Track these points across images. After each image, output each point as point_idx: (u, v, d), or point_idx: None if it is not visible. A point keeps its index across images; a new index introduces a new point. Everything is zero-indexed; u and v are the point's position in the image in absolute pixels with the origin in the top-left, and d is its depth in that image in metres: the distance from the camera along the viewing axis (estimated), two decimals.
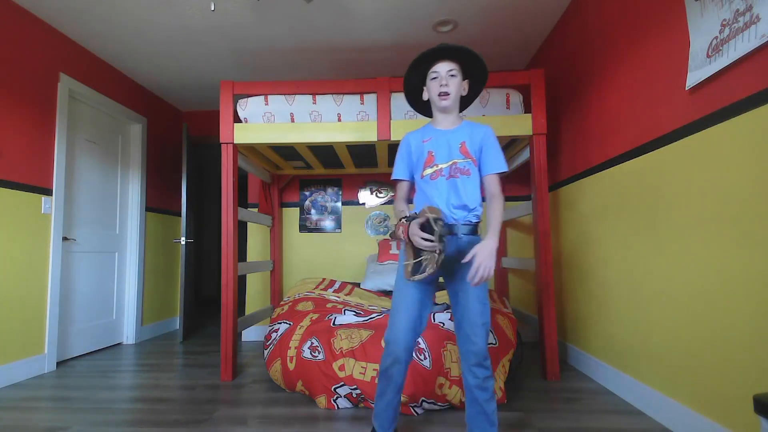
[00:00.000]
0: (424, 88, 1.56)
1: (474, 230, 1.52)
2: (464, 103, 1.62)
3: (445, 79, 1.46)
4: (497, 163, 1.48)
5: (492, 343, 2.10)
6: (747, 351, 1.38)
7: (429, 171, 1.50)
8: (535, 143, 2.52)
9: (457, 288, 1.47)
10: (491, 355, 2.03)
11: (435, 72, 1.48)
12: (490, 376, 1.41)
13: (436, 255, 1.33)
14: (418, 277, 1.36)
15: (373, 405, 1.96)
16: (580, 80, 2.57)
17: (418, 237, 1.34)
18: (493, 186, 1.49)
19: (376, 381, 1.93)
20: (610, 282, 2.23)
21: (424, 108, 1.66)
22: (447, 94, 1.46)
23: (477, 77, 1.58)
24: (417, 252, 1.39)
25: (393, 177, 1.59)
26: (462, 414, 1.92)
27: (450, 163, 1.48)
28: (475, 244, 1.40)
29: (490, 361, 1.43)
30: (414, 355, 1.98)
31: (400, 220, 1.46)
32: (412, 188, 1.59)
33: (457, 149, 1.49)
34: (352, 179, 3.83)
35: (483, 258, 1.31)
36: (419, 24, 2.91)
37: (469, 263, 1.36)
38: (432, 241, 1.32)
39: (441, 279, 1.57)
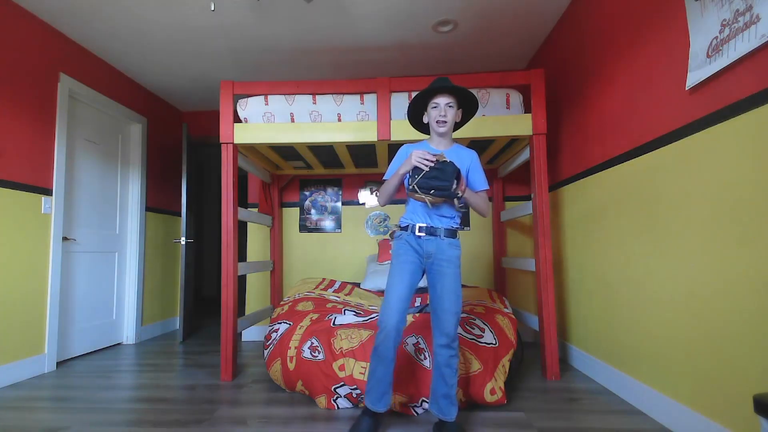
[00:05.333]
0: (425, 113, 1.83)
1: (453, 234, 1.77)
2: (456, 126, 1.89)
3: (443, 110, 1.75)
4: (483, 182, 1.83)
5: (492, 343, 2.10)
6: (747, 351, 1.38)
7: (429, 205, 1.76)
8: (535, 143, 2.52)
9: (435, 281, 1.73)
10: (491, 355, 2.04)
11: (436, 103, 1.76)
12: (455, 355, 1.69)
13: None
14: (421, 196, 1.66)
15: None
16: (580, 80, 2.57)
17: (423, 159, 1.63)
18: (481, 194, 1.83)
19: None
20: (610, 282, 2.23)
21: (422, 128, 1.92)
22: (445, 122, 1.75)
23: (469, 108, 1.86)
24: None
25: (386, 178, 1.85)
26: (462, 414, 1.92)
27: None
28: (454, 245, 1.74)
29: (457, 343, 1.70)
30: (414, 355, 1.99)
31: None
32: (396, 190, 1.84)
33: None
34: (352, 179, 3.83)
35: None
36: (419, 24, 2.91)
37: (447, 264, 1.71)
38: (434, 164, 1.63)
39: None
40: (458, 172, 1.64)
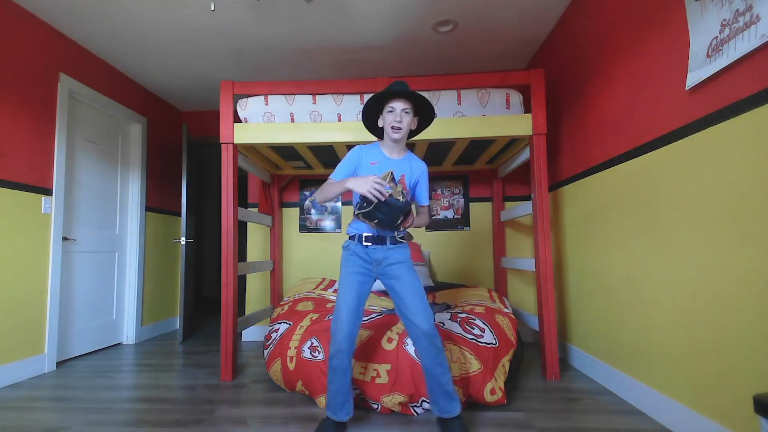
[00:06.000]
0: (380, 116, 1.78)
1: (400, 240, 1.78)
2: (411, 134, 1.88)
3: (399, 115, 1.69)
4: (427, 197, 1.87)
5: (492, 343, 2.10)
6: (747, 351, 1.38)
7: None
8: (535, 143, 2.52)
9: (392, 285, 1.72)
10: (491, 355, 2.04)
11: (392, 107, 1.70)
12: (440, 351, 1.65)
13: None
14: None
15: (371, 404, 1.97)
16: (580, 80, 2.57)
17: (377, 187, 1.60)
18: (423, 209, 1.86)
19: (377, 381, 1.94)
20: (610, 282, 2.23)
21: (377, 131, 1.87)
22: (399, 128, 1.70)
23: (425, 116, 1.82)
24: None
25: (332, 177, 1.76)
26: (462, 414, 1.92)
27: (389, 193, 1.73)
28: (402, 248, 1.76)
29: (439, 338, 1.66)
30: (414, 355, 1.99)
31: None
32: (337, 197, 1.86)
33: (398, 180, 1.74)
34: None
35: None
36: (419, 24, 2.91)
37: (398, 266, 1.72)
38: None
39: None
40: (408, 211, 1.64)
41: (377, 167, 1.74)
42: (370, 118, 1.83)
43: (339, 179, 1.73)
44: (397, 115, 1.68)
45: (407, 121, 1.70)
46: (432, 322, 1.65)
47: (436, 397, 1.67)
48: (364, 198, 1.62)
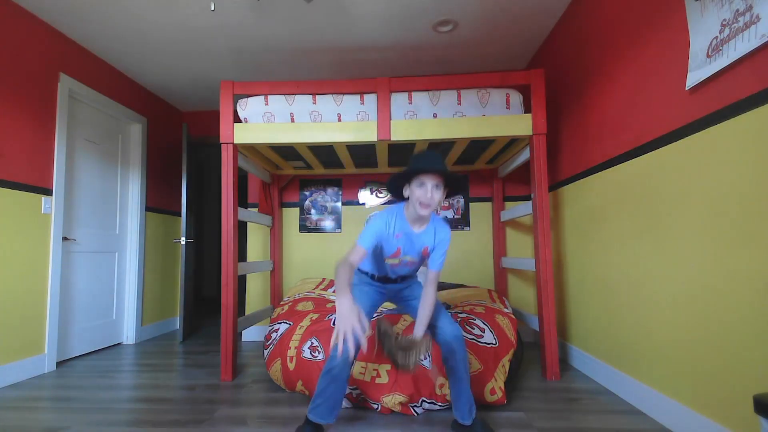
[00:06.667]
0: (407, 185, 1.63)
1: (411, 277, 1.88)
2: None
3: (430, 191, 1.56)
4: (440, 263, 1.72)
5: (492, 343, 2.10)
6: (747, 351, 1.38)
7: (393, 261, 1.74)
8: (535, 143, 2.52)
9: (408, 303, 1.84)
10: (491, 355, 2.04)
11: (422, 181, 1.57)
12: (466, 354, 1.70)
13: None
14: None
15: (371, 404, 1.97)
16: (580, 80, 2.57)
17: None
18: (430, 283, 1.70)
19: (377, 381, 1.94)
20: (610, 282, 2.23)
21: (400, 197, 1.73)
22: (428, 205, 1.57)
23: (456, 187, 1.70)
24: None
25: (361, 244, 1.61)
26: None
27: (410, 260, 1.75)
28: (414, 286, 1.87)
29: (463, 339, 1.69)
30: None
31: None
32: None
33: (420, 251, 1.72)
34: (352, 179, 3.83)
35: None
36: (419, 24, 2.91)
37: (408, 286, 1.84)
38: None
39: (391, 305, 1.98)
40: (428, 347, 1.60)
41: (402, 241, 1.67)
42: (394, 185, 1.70)
43: (366, 247, 1.61)
44: (428, 191, 1.55)
45: (438, 197, 1.57)
46: (457, 325, 1.69)
47: (461, 404, 1.68)
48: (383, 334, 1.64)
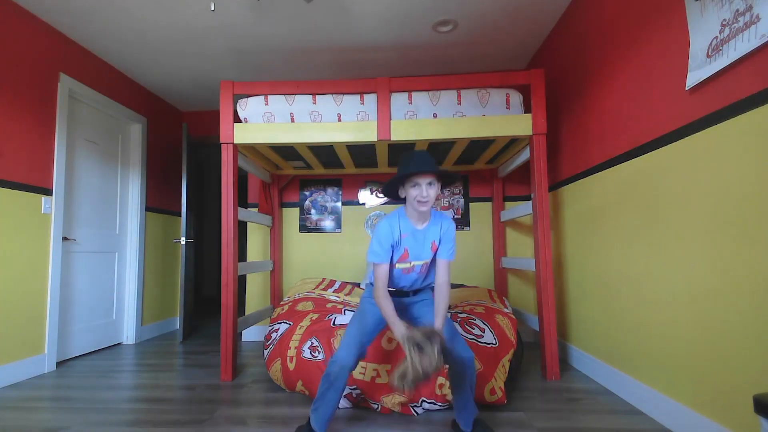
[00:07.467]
0: (401, 187, 1.70)
1: (422, 289, 1.85)
2: None
3: (425, 190, 1.62)
4: (450, 253, 1.74)
5: (492, 343, 2.10)
6: (747, 351, 1.38)
7: (403, 266, 1.73)
8: (535, 143, 2.52)
9: (418, 321, 1.76)
10: (491, 356, 2.04)
11: (416, 182, 1.63)
12: (474, 372, 1.65)
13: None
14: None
15: (371, 404, 1.97)
16: (580, 80, 2.57)
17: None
18: (444, 273, 1.71)
19: (377, 381, 1.94)
20: (610, 282, 2.23)
21: (398, 199, 1.79)
22: (426, 202, 1.63)
23: (449, 180, 1.77)
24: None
25: (375, 261, 1.68)
26: None
27: (422, 263, 1.75)
28: (425, 292, 1.84)
29: (473, 362, 1.62)
30: None
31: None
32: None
33: (429, 248, 1.73)
34: (352, 179, 3.83)
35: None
36: (419, 24, 2.91)
37: (421, 300, 1.80)
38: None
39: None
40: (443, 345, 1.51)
41: (408, 240, 1.70)
42: (391, 189, 1.75)
43: (381, 261, 1.67)
44: (422, 190, 1.62)
45: (433, 193, 1.64)
46: (468, 348, 1.63)
47: (466, 413, 1.68)
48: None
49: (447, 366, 1.61)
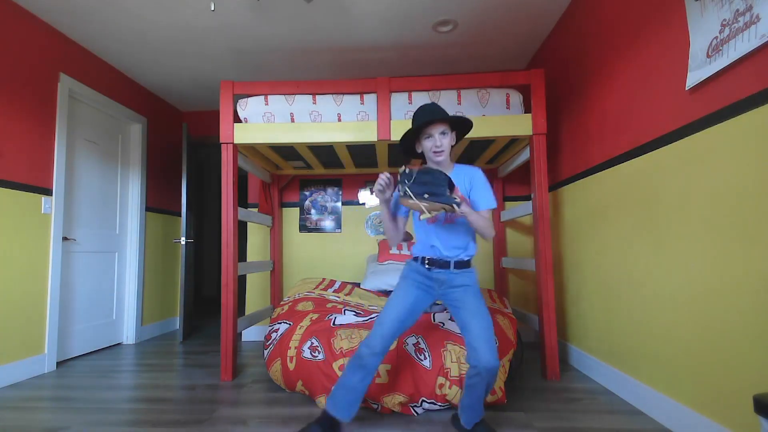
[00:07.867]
0: (417, 143, 1.73)
1: (466, 264, 1.69)
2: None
3: (438, 140, 1.65)
4: (487, 200, 1.67)
5: None
6: (747, 351, 1.38)
7: (427, 216, 1.61)
8: (535, 143, 2.52)
9: (456, 310, 1.65)
10: None
11: (428, 133, 1.66)
12: (492, 384, 1.60)
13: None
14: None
15: (371, 404, 1.97)
16: (580, 80, 2.57)
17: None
18: (486, 215, 1.64)
19: (377, 381, 1.94)
20: (610, 282, 2.23)
21: (416, 155, 1.80)
22: (441, 151, 1.66)
23: (462, 128, 1.76)
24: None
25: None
26: None
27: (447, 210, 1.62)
28: (467, 273, 1.67)
29: (496, 375, 1.56)
30: (414, 355, 1.99)
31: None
32: (394, 218, 1.74)
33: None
34: (352, 179, 3.83)
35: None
36: (419, 24, 2.91)
37: (462, 290, 1.64)
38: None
39: (438, 302, 1.83)
40: (449, 179, 1.50)
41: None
42: (407, 146, 1.76)
43: (400, 215, 1.71)
44: (435, 140, 1.64)
45: (447, 142, 1.66)
46: (496, 356, 1.52)
47: (469, 413, 1.66)
48: (402, 176, 1.51)
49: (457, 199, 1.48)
